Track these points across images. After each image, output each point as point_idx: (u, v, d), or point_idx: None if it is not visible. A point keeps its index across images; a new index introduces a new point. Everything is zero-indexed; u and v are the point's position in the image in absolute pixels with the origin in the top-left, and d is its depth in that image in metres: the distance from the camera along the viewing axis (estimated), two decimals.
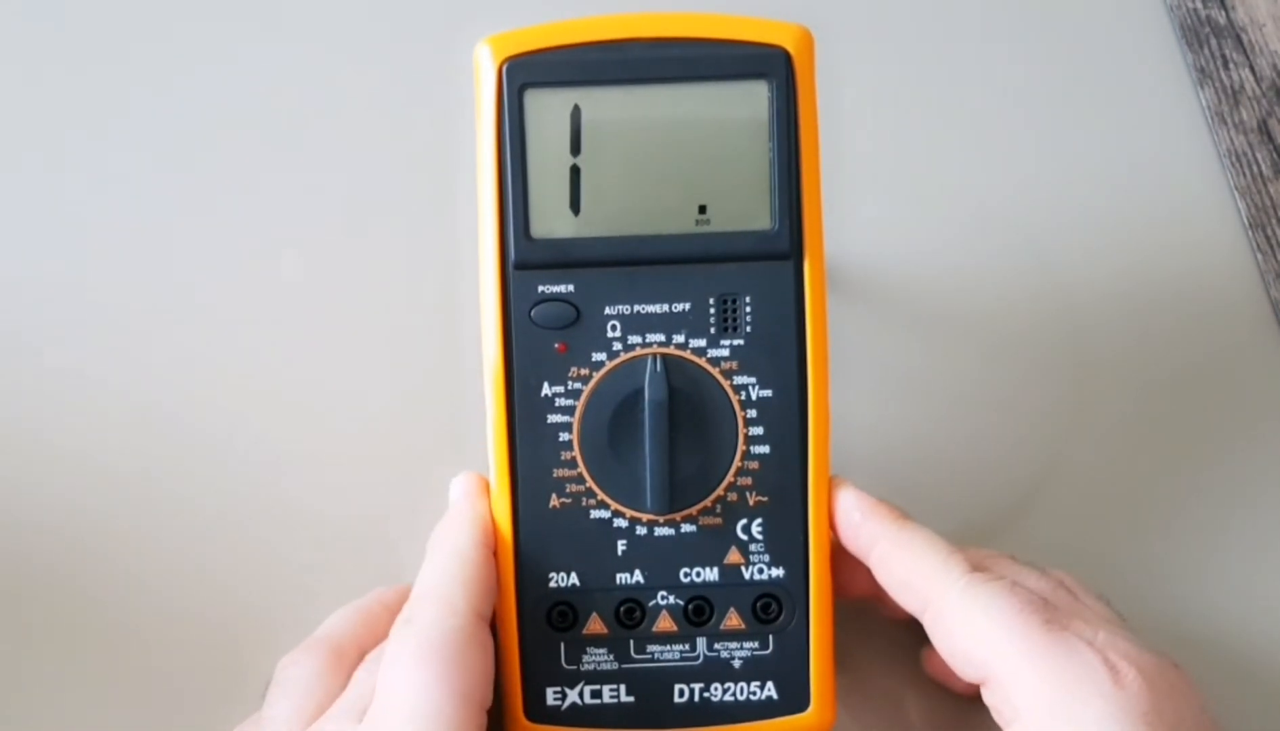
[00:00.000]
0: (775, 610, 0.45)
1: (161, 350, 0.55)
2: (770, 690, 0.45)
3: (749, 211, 0.44)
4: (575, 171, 0.44)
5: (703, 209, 0.44)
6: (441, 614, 0.42)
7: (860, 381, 0.55)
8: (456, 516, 0.45)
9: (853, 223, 0.58)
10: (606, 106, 0.44)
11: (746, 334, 0.45)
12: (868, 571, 0.46)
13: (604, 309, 0.44)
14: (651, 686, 0.45)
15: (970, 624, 0.43)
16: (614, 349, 0.45)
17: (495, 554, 0.45)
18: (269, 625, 0.50)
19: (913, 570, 0.44)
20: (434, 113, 0.59)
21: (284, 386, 0.55)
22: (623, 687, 0.45)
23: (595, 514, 0.45)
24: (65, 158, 0.59)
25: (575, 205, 0.44)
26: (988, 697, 0.43)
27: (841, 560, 0.47)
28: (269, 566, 0.52)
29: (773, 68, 0.44)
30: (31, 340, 0.56)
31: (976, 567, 0.44)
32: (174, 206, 0.58)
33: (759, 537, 0.45)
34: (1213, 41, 0.63)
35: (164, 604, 0.51)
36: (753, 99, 0.44)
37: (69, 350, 0.55)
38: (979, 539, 0.53)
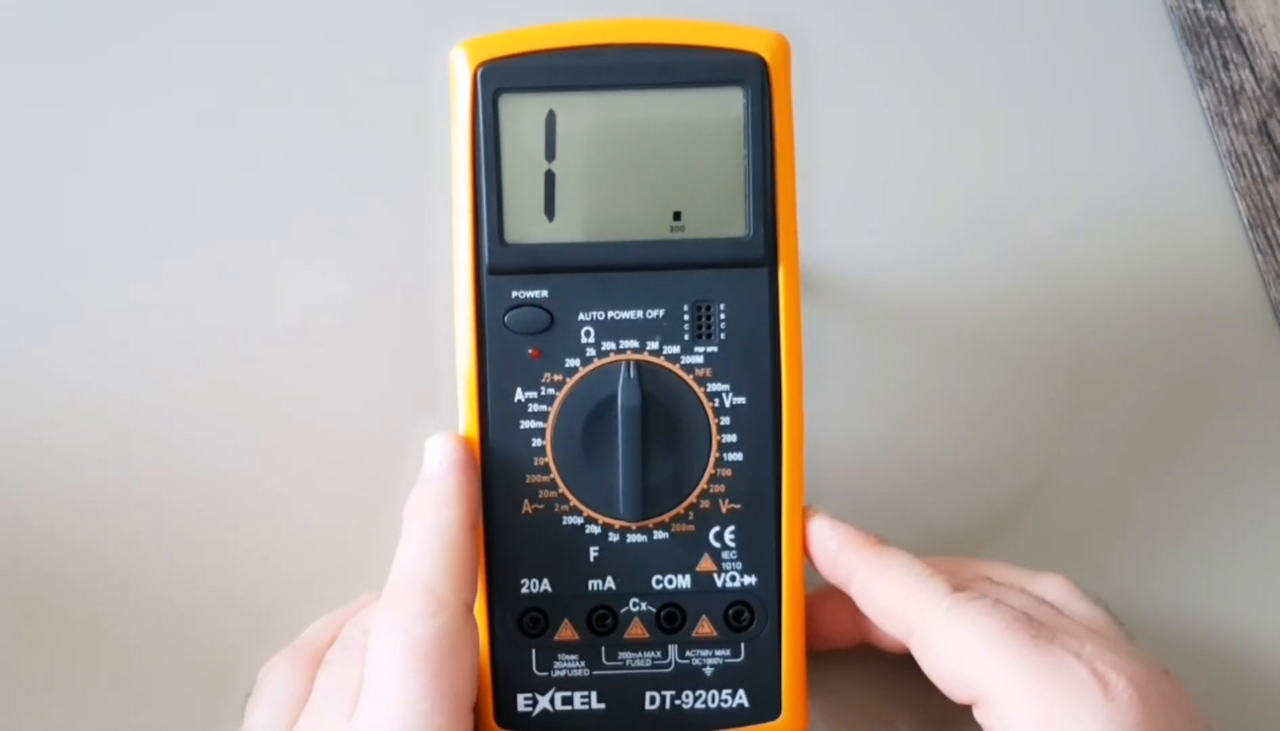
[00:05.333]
0: (747, 618, 0.45)
1: (152, 357, 0.56)
2: (742, 698, 0.45)
3: (724, 218, 0.44)
4: (550, 177, 0.44)
5: (677, 215, 0.44)
6: (428, 606, 0.41)
7: (859, 389, 0.56)
8: (439, 488, 0.44)
9: (847, 227, 0.58)
10: (582, 112, 0.44)
11: (720, 341, 0.45)
12: (852, 618, 0.47)
13: (578, 315, 0.44)
14: (623, 693, 0.45)
15: (957, 644, 0.43)
16: (588, 355, 0.44)
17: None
18: (260, 630, 0.50)
19: (895, 596, 0.44)
20: (410, 117, 0.58)
21: (273, 392, 0.55)
22: (594, 694, 0.45)
23: (568, 520, 0.45)
24: (52, 158, 0.60)
25: (550, 210, 0.44)
26: (980, 717, 0.43)
27: (824, 610, 0.47)
28: (261, 572, 0.52)
29: (748, 75, 0.44)
30: (23, 342, 0.56)
31: (958, 588, 0.44)
32: (156, 213, 0.58)
33: (731, 545, 0.45)
34: (1213, 42, 0.62)
35: (154, 609, 0.51)
36: (728, 106, 0.44)
37: (59, 353, 0.56)
38: (979, 543, 0.53)
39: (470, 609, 0.43)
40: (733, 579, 0.45)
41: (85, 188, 0.59)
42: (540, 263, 0.44)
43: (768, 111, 0.44)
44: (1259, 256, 0.58)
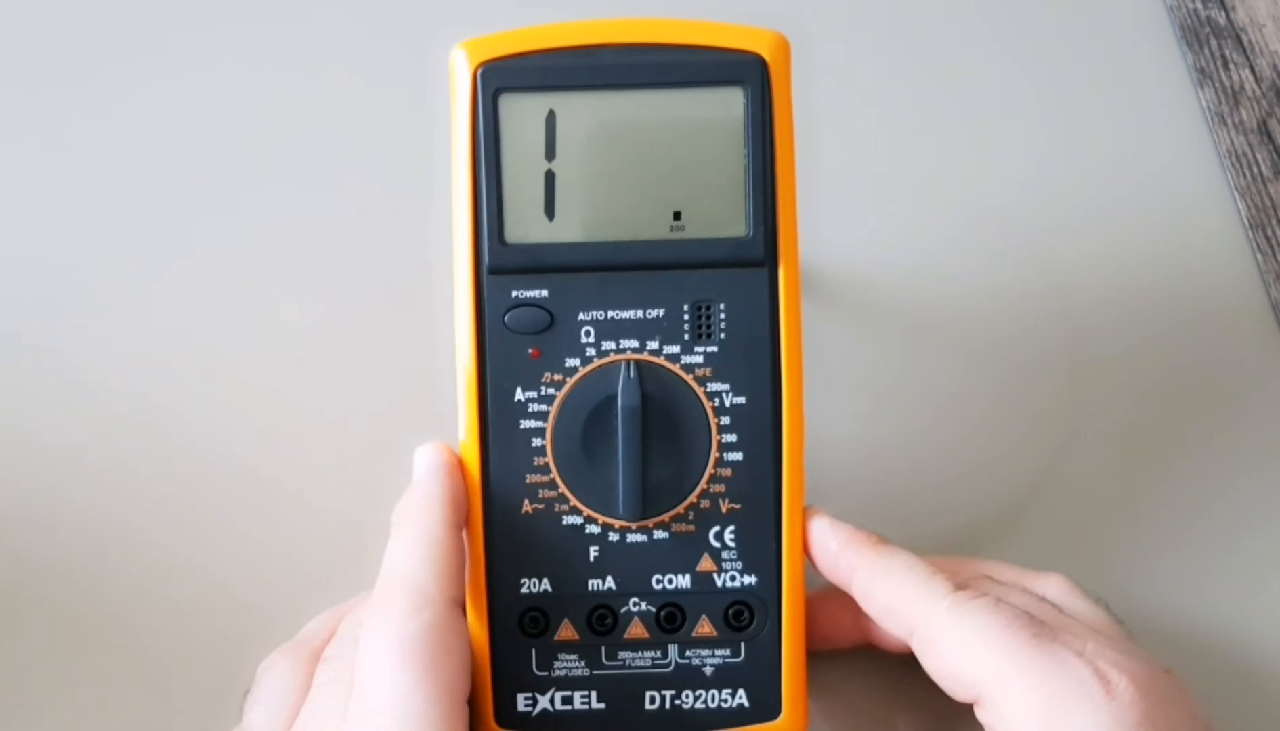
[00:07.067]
0: (747, 617, 0.45)
1: (152, 354, 0.56)
2: (741, 697, 0.45)
3: (724, 218, 0.44)
4: (550, 176, 0.44)
5: (677, 215, 0.44)
6: (416, 604, 0.41)
7: (859, 389, 0.55)
8: (425, 492, 0.44)
9: (847, 227, 0.58)
10: (582, 112, 0.44)
11: (720, 341, 0.45)
12: (853, 617, 0.47)
13: (578, 314, 0.44)
14: (623, 693, 0.45)
15: (959, 643, 0.43)
16: (588, 355, 0.44)
17: (467, 541, 0.45)
18: (260, 626, 0.50)
19: (896, 595, 0.44)
20: (410, 117, 0.58)
21: (273, 390, 0.55)
22: (594, 694, 0.45)
23: (567, 520, 0.45)
24: (57, 159, 0.60)
25: (550, 210, 0.44)
26: (981, 716, 0.43)
27: (824, 610, 0.47)
28: (260, 568, 0.52)
29: (748, 75, 0.44)
30: (28, 339, 0.56)
31: (960, 587, 0.44)
32: (157, 213, 0.59)
33: (731, 545, 0.45)
34: (1213, 41, 0.62)
35: (154, 605, 0.51)
36: (728, 106, 0.44)
37: (63, 351, 0.56)
38: (979, 543, 0.53)
39: (459, 605, 0.43)
40: (733, 579, 0.45)
41: (94, 187, 0.59)
42: (540, 262, 0.44)
43: (768, 111, 0.44)
44: (1259, 256, 0.58)
